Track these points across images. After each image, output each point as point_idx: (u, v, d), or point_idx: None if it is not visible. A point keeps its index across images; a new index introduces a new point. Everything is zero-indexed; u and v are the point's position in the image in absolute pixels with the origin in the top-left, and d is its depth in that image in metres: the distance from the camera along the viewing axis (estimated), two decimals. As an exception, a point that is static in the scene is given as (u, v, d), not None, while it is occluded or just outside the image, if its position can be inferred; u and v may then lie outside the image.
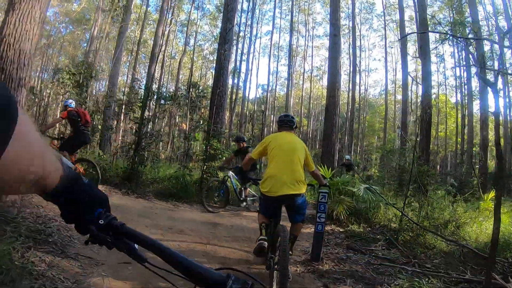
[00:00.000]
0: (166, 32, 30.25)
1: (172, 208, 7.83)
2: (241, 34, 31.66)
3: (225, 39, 12.14)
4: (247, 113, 32.11)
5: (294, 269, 4.50)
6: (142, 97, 9.90)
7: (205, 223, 6.64)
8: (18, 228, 3.98)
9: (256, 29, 36.22)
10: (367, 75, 41.87)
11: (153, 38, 24.23)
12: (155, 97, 10.59)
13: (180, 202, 8.38)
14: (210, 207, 8.14)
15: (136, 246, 0.78)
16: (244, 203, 8.40)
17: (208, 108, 12.31)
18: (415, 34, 23.53)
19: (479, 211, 7.92)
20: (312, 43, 40.07)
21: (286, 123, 4.52)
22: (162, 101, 12.10)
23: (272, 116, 35.77)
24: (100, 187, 8.35)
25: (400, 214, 6.42)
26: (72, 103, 7.70)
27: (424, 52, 15.66)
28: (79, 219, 0.75)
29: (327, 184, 4.98)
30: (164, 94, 16.45)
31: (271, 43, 37.29)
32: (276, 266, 3.48)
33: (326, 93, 16.45)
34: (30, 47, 4.94)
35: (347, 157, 14.15)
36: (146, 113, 21.24)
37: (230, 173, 8.30)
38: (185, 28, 34.94)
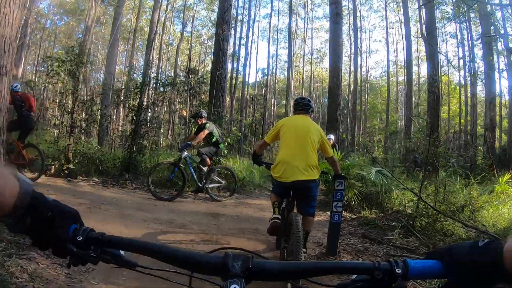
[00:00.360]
0: (163, 19, 29.80)
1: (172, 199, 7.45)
2: (239, 18, 30.93)
3: (223, 20, 11.60)
4: (248, 97, 31.71)
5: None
6: (139, 84, 9.42)
7: (208, 215, 6.23)
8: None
9: (254, 13, 35.43)
10: (368, 56, 41.12)
11: (149, 25, 23.65)
12: (152, 82, 10.10)
13: (182, 192, 7.97)
14: (163, 194, 7.47)
15: (122, 252, 0.74)
16: (203, 190, 7.64)
17: (208, 93, 11.82)
18: (417, 13, 23.37)
19: (495, 194, 7.50)
20: (312, 25, 39.33)
21: (301, 106, 4.20)
22: (161, 88, 11.74)
23: (273, 100, 35.29)
24: (95, 178, 8.07)
25: (417, 198, 5.98)
26: (18, 87, 7.34)
27: (430, 28, 15.24)
28: (53, 241, 0.70)
29: (343, 175, 4.57)
30: (163, 80, 16.09)
31: (270, 26, 36.59)
32: (289, 258, 3.27)
33: (329, 74, 15.90)
34: (10, 32, 4.55)
35: (330, 136, 12.61)
36: (146, 100, 21.14)
37: (185, 153, 7.53)
38: (182, 14, 34.25)
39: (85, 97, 9.37)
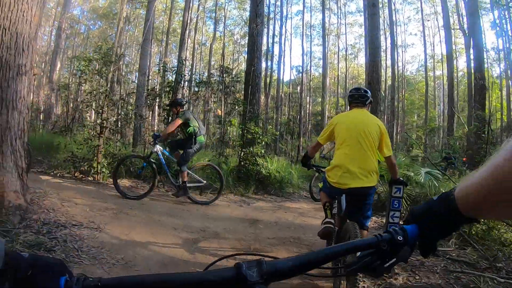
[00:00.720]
0: (195, 18, 29.69)
1: (206, 201, 6.95)
2: (271, 15, 30.45)
3: (256, 14, 10.98)
4: (283, 95, 31.19)
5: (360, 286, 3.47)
6: (172, 82, 8.98)
7: (244, 221, 5.68)
8: (13, 243, 3.23)
9: (286, 10, 34.91)
10: (404, 51, 39.75)
11: (181, 25, 23.55)
12: (185, 81, 9.65)
13: (215, 194, 7.45)
14: (130, 192, 6.81)
15: None
16: (180, 191, 6.65)
17: (243, 91, 11.27)
18: (454, 3, 22.29)
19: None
20: (345, 20, 38.17)
21: (357, 98, 3.60)
22: (196, 88, 11.30)
23: (308, 97, 34.62)
24: (125, 181, 7.70)
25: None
26: None
27: (473, 19, 14.18)
28: None
29: (402, 180, 3.84)
30: (197, 80, 15.72)
31: (303, 23, 35.88)
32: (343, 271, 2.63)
33: (367, 68, 15.15)
34: (29, 30, 4.38)
35: None
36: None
37: (158, 147, 6.74)
38: (214, 14, 34.18)
39: (119, 97, 8.94)
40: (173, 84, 8.71)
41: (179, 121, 6.64)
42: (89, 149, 7.81)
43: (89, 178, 7.47)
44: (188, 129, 6.80)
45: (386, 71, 32.58)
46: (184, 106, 7.18)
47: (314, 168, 3.94)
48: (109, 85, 8.25)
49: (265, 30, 24.49)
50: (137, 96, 14.86)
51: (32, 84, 5.09)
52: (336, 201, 3.42)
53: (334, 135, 3.50)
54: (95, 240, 3.91)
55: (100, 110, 7.82)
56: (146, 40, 18.20)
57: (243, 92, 11.21)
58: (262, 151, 9.10)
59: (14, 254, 0.61)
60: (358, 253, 0.77)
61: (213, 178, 7.66)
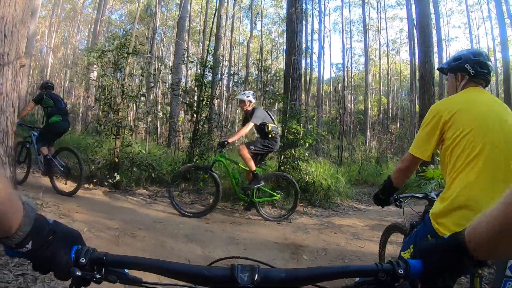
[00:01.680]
0: (231, 18, 29.05)
1: (238, 216, 5.70)
2: (309, 12, 29.23)
3: (294, -2, 9.62)
4: (323, 93, 29.83)
5: None
6: (199, 76, 7.78)
7: (282, 248, 4.34)
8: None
9: (324, 6, 33.43)
10: (447, 44, 37.37)
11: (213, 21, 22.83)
12: (214, 74, 8.43)
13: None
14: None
15: (126, 271, 0.74)
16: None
17: (282, 90, 9.93)
18: None
19: None
20: (385, 14, 36.23)
21: (486, 67, 2.02)
22: (235, 87, 10.25)
23: (349, 96, 33.07)
24: (142, 191, 6.62)
25: None
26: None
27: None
28: (55, 264, 0.67)
29: None
30: (235, 79, 14.66)
31: (342, 19, 34.31)
32: None
33: (419, 59, 13.73)
34: (13, 13, 3.76)
35: None
36: (217, 101, 19.96)
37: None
38: (250, 13, 33.34)
39: (138, 93, 7.82)
40: (200, 78, 7.50)
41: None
42: (106, 152, 6.81)
43: (105, 184, 6.41)
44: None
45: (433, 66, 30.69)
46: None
47: (399, 204, 2.49)
48: (125, 80, 7.13)
49: (304, 27, 23.38)
50: (171, 96, 13.91)
51: (19, 77, 4.08)
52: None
53: (448, 138, 1.90)
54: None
55: (116, 108, 6.77)
56: (180, 36, 17.35)
57: (283, 85, 9.92)
58: (306, 154, 7.74)
59: (42, 219, 0.67)
60: (357, 279, 0.76)
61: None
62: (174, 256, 3.62)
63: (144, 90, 7.98)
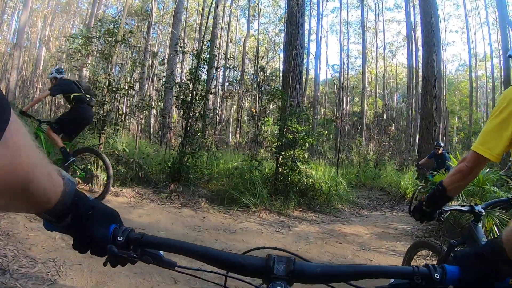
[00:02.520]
0: (227, 15, 28.62)
1: (231, 223, 5.14)
2: (307, 13, 28.93)
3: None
4: (319, 95, 29.44)
5: None
6: (193, 68, 7.20)
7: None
8: None
9: (322, 6, 33.10)
10: (444, 48, 37.39)
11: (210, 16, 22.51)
12: (209, 67, 7.85)
13: (244, 212, 5.66)
14: None
15: (161, 253, 0.74)
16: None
17: (279, 86, 9.36)
18: None
19: None
20: (383, 17, 36.38)
21: None
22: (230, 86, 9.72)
23: (345, 97, 32.85)
24: (128, 191, 6.05)
25: None
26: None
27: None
28: (93, 241, 0.68)
29: None
30: (232, 75, 14.17)
31: (340, 20, 34.08)
32: None
33: (423, 59, 13.45)
34: None
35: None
36: (212, 99, 19.45)
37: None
38: (247, 11, 32.99)
39: (127, 85, 7.20)
40: (194, 71, 6.93)
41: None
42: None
43: (87, 184, 5.80)
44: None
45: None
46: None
47: (442, 218, 1.93)
48: (113, 70, 6.55)
49: (304, 22, 23.03)
50: (166, 92, 13.31)
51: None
52: None
53: None
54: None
55: (102, 100, 6.19)
56: (175, 30, 16.79)
57: (281, 78, 9.39)
58: (306, 155, 7.18)
59: (83, 195, 0.68)
60: (392, 280, 0.75)
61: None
62: (154, 270, 3.07)
63: (133, 83, 7.33)
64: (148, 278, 2.96)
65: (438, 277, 0.70)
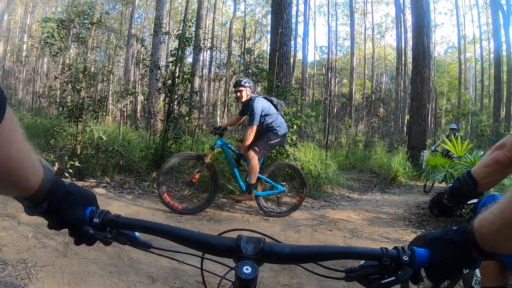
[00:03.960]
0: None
1: (216, 212, 4.91)
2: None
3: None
4: (307, 77, 29.18)
5: None
6: (175, 50, 6.84)
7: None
8: None
9: (310, -14, 32.63)
10: (433, 31, 37.42)
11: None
12: (192, 48, 7.50)
13: (229, 199, 5.43)
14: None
15: (137, 234, 0.77)
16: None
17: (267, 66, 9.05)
18: None
19: None
20: None
21: None
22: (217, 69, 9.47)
23: (333, 79, 32.73)
24: (107, 181, 5.75)
25: None
26: None
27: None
28: (70, 223, 0.72)
29: None
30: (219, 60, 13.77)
31: (328, 1, 33.66)
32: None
33: (413, 40, 13.35)
34: None
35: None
36: (198, 82, 19.02)
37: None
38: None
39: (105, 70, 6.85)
40: (176, 52, 6.59)
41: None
42: (64, 139, 5.94)
43: (65, 175, 5.49)
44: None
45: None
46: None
47: (463, 213, 1.69)
48: (89, 54, 6.16)
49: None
50: (147, 75, 12.86)
51: None
52: None
53: None
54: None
55: (78, 87, 5.84)
56: (159, 12, 16.27)
57: (268, 58, 9.12)
58: (294, 137, 6.92)
59: (59, 181, 0.70)
60: (362, 262, 0.75)
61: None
62: (136, 271, 2.84)
63: (112, 67, 6.97)
64: (124, 277, 2.74)
65: (406, 259, 0.71)
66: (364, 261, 0.75)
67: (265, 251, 0.70)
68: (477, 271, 1.77)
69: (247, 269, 0.66)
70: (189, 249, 0.75)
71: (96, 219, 0.72)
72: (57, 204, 0.69)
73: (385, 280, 0.71)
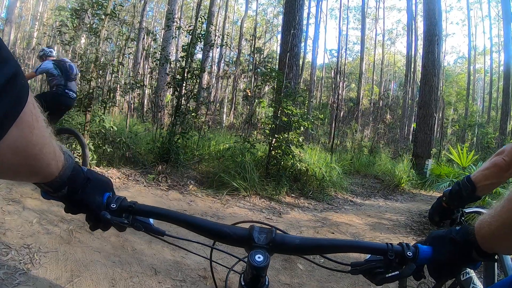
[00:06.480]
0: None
1: (220, 208, 4.93)
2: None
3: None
4: (315, 79, 29.12)
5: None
6: (185, 45, 6.85)
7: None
8: None
9: (322, -11, 32.56)
10: (444, 40, 37.25)
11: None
12: (204, 44, 7.51)
13: (234, 196, 5.44)
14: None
15: (151, 221, 0.78)
16: None
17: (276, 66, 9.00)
18: None
19: None
20: (384, 4, 36.03)
21: None
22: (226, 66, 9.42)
23: (341, 83, 32.62)
24: (113, 172, 5.80)
25: None
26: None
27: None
28: (88, 208, 0.74)
29: None
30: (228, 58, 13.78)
31: (340, 5, 33.53)
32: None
33: (423, 48, 13.17)
34: None
35: None
36: (206, 78, 19.05)
37: None
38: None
39: (116, 61, 6.88)
40: (188, 47, 6.61)
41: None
42: (77, 128, 5.97)
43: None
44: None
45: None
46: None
47: (462, 220, 1.68)
48: (101, 45, 6.17)
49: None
50: (156, 69, 12.89)
51: None
52: None
53: None
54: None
55: (89, 77, 5.87)
56: (171, 7, 16.31)
57: (277, 58, 9.03)
58: (300, 139, 6.91)
59: (78, 168, 0.71)
60: (368, 256, 0.78)
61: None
62: (135, 260, 2.87)
63: (122, 58, 7.00)
64: (126, 268, 2.75)
65: (410, 254, 0.74)
66: (369, 255, 0.77)
67: (277, 241, 0.72)
68: (475, 279, 1.78)
69: (259, 257, 0.67)
70: (201, 239, 0.77)
71: (114, 205, 0.74)
72: (76, 189, 0.70)
73: (389, 274, 0.74)
